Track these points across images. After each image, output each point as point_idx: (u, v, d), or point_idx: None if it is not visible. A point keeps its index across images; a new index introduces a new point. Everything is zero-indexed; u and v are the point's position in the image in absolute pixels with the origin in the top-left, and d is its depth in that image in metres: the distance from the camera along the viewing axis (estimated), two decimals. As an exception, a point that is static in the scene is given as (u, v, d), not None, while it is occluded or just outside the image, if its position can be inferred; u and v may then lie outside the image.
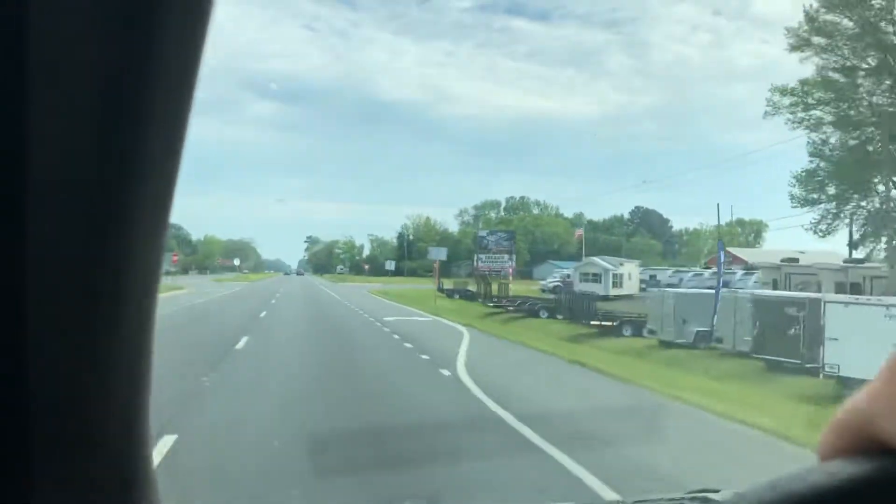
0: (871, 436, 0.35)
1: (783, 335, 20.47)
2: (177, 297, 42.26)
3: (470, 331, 27.37)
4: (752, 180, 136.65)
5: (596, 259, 59.78)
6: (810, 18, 40.31)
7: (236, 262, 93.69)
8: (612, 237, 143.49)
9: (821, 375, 18.83)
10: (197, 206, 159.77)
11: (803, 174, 47.39)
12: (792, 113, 44.57)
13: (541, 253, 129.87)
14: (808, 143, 45.97)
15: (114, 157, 0.57)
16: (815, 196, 46.91)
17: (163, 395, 9.85)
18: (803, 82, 43.40)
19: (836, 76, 41.85)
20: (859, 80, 41.34)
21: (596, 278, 59.28)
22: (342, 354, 20.72)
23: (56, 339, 0.60)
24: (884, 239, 43.01)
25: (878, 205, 43.75)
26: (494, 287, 50.45)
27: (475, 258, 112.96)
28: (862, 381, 0.38)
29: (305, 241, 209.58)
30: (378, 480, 7.52)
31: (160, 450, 8.12)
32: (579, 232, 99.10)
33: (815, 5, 39.99)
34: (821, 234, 48.02)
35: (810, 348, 19.74)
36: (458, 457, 8.70)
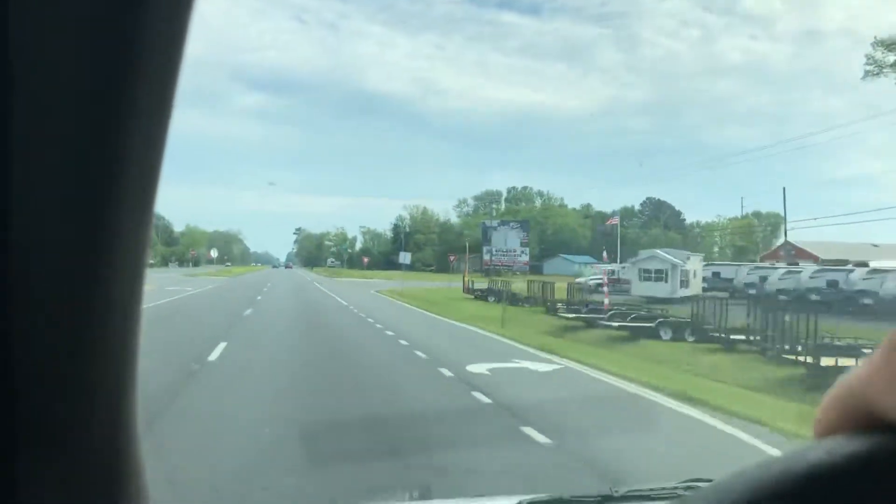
0: (870, 413, 0.35)
1: None
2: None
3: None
4: (764, 173, 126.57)
5: (660, 252, 47.04)
6: None
7: (213, 253, 79.58)
8: (625, 230, 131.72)
9: None
10: (183, 198, 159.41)
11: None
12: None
13: (551, 246, 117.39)
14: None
15: (96, 149, 0.56)
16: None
17: None
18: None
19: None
20: None
21: (660, 276, 46.57)
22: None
23: (40, 333, 0.59)
24: None
25: None
26: (524, 287, 38.27)
27: (483, 251, 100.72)
28: None
29: (294, 233, 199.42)
30: None
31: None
32: (614, 219, 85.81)
33: None
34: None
35: None
36: None
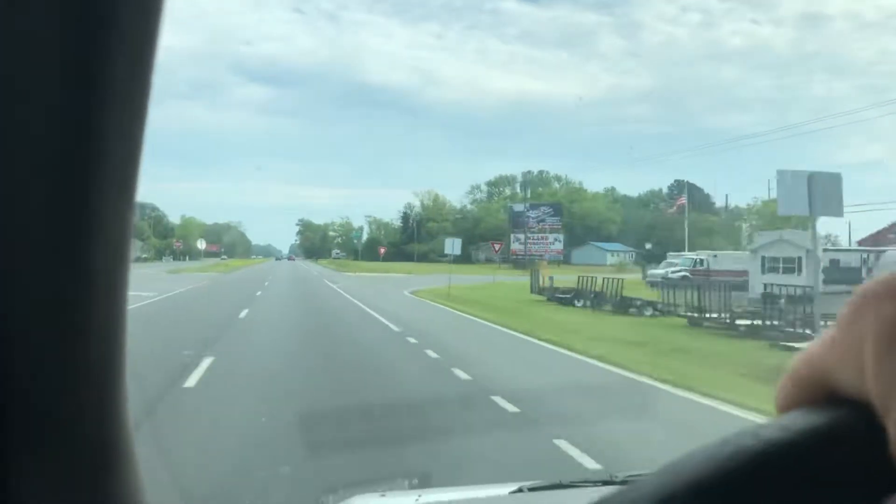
0: (828, 387, 0.35)
1: None
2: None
3: None
4: (790, 157, 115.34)
5: (790, 234, 34.28)
6: None
7: (201, 244, 66.83)
8: (653, 214, 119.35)
9: None
10: (183, 191, 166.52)
11: None
12: None
13: (579, 233, 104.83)
14: None
15: (72, 138, 0.55)
16: None
17: None
18: None
19: None
20: None
21: (790, 266, 34.10)
22: None
23: (24, 329, 0.58)
24: None
25: None
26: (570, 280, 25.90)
27: (511, 238, 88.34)
28: None
29: (297, 224, 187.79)
30: None
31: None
32: (681, 199, 72.70)
33: None
34: None
35: None
36: None
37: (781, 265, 34.24)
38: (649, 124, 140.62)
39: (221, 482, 5.58)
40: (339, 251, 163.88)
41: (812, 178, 15.29)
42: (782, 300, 19.47)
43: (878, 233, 60.71)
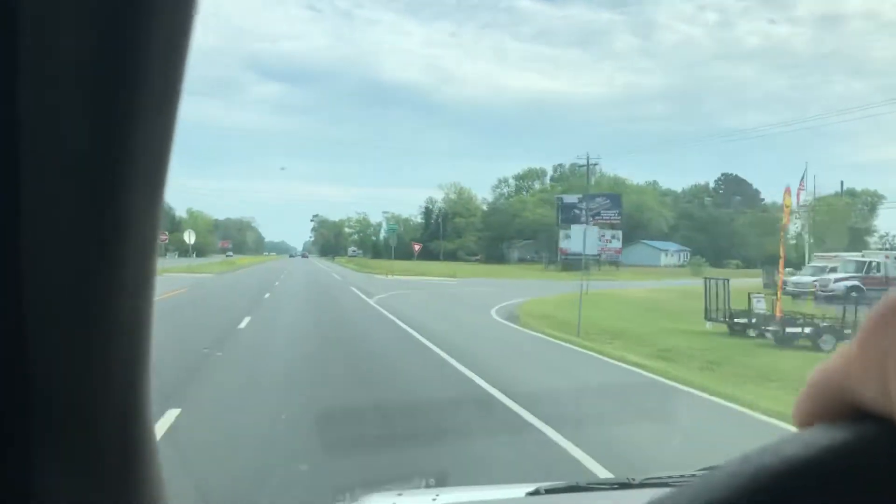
0: (848, 401, 0.34)
1: None
2: None
3: None
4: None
5: None
6: None
7: (189, 237, 53.57)
8: (698, 210, 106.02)
9: None
10: (199, 187, 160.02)
11: None
12: None
13: (625, 230, 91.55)
14: None
15: (103, 138, 0.55)
16: None
17: None
18: None
19: None
20: None
21: None
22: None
23: (52, 326, 0.59)
24: None
25: None
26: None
27: (560, 236, 75.13)
28: None
29: (311, 220, 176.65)
30: None
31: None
32: (797, 187, 59.16)
33: None
34: None
35: None
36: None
37: None
38: (665, 123, 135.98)
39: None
40: (355, 248, 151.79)
41: None
42: None
43: None
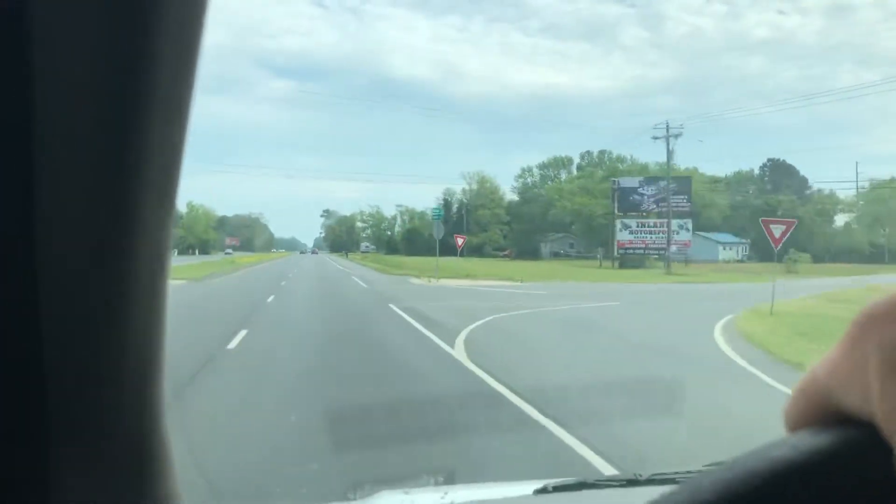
0: (833, 406, 0.34)
1: None
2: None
3: None
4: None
5: None
6: None
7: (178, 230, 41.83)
8: (742, 199, 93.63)
9: None
10: (209, 184, 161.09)
11: None
12: None
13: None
14: None
15: (117, 139, 0.55)
16: None
17: None
18: None
19: None
20: None
21: None
22: None
23: (66, 327, 0.59)
24: None
25: None
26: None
27: (616, 227, 63.00)
28: None
29: (322, 216, 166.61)
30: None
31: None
32: None
33: None
34: None
35: None
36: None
37: None
38: (675, 115, 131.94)
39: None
40: (368, 244, 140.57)
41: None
42: None
43: None
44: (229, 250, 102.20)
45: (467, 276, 36.23)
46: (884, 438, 0.30)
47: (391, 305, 18.65)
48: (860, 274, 45.57)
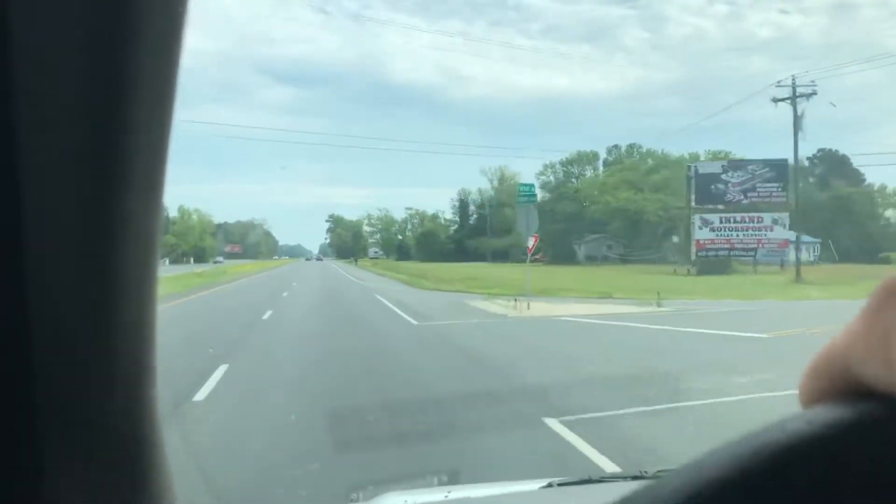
0: (853, 379, 0.32)
1: None
2: None
3: None
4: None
5: None
6: None
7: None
8: (811, 191, 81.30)
9: None
10: (213, 192, 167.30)
11: None
12: None
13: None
14: None
15: (98, 135, 0.54)
16: None
17: None
18: None
19: None
20: None
21: None
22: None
23: (55, 327, 0.58)
24: None
25: None
26: None
27: (693, 224, 50.71)
28: None
29: (327, 221, 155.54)
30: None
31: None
32: None
33: None
34: None
35: None
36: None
37: None
38: (678, 117, 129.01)
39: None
40: (377, 250, 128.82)
41: None
42: None
43: None
44: (220, 258, 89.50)
45: (558, 295, 24.00)
46: None
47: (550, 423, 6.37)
48: None
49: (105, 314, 0.59)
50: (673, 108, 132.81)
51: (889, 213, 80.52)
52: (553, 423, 6.06)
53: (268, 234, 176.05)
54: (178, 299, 23.01)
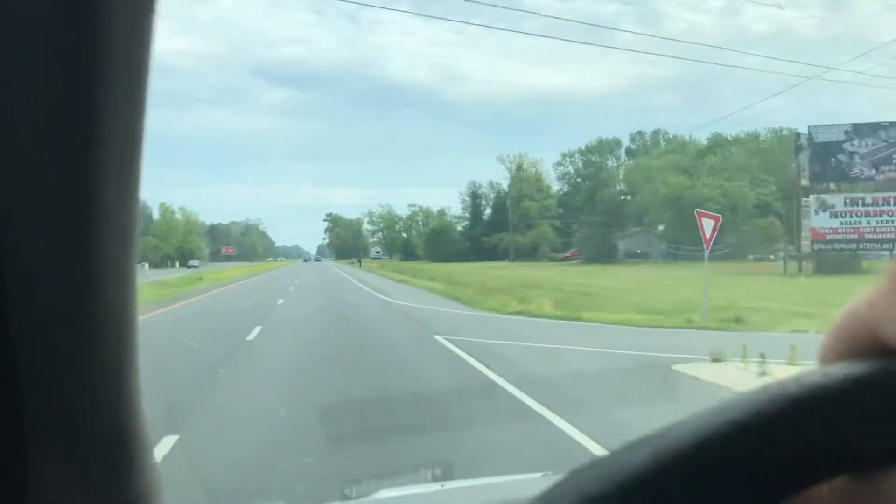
0: (874, 339, 0.32)
1: None
2: None
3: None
4: None
5: None
6: None
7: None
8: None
9: None
10: (210, 195, 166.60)
11: None
12: None
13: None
14: None
15: (70, 121, 0.53)
16: None
17: None
18: None
19: None
20: None
21: None
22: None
23: (33, 323, 0.56)
24: None
25: None
26: None
27: (811, 207, 39.07)
28: None
29: (325, 220, 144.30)
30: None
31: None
32: None
33: None
34: None
35: None
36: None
37: None
38: (677, 113, 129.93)
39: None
40: (379, 249, 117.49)
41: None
42: None
43: None
44: (195, 262, 76.46)
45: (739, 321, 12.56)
46: None
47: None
48: None
49: (83, 310, 0.57)
50: (671, 103, 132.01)
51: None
52: None
53: (263, 235, 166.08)
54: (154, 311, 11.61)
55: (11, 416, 0.56)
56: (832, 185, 36.13)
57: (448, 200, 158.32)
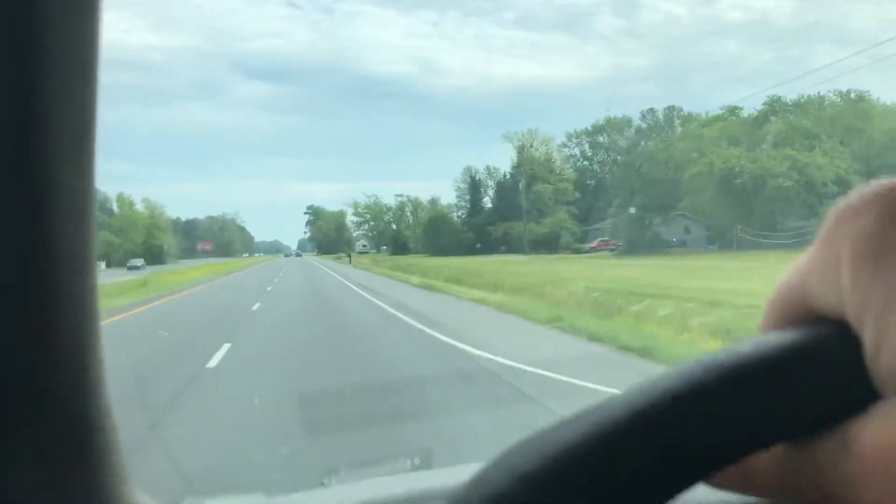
0: (807, 307, 0.31)
1: None
2: None
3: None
4: None
5: None
6: None
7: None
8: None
9: None
10: (189, 191, 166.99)
11: None
12: None
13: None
14: None
15: (19, 109, 0.52)
16: None
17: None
18: None
19: None
20: None
21: None
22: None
23: None
24: None
25: None
26: None
27: None
28: None
29: (306, 213, 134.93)
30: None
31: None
32: None
33: None
34: None
35: None
36: None
37: None
38: (654, 102, 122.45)
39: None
40: (365, 243, 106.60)
41: None
42: None
43: None
44: (137, 262, 63.15)
45: None
46: (854, 333, 0.29)
47: None
48: None
49: (40, 297, 0.55)
50: (650, 93, 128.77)
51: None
52: None
53: (242, 230, 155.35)
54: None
55: None
56: None
57: (435, 192, 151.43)
